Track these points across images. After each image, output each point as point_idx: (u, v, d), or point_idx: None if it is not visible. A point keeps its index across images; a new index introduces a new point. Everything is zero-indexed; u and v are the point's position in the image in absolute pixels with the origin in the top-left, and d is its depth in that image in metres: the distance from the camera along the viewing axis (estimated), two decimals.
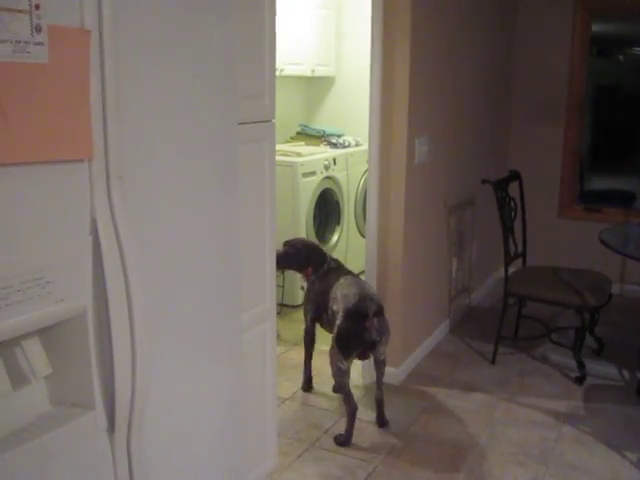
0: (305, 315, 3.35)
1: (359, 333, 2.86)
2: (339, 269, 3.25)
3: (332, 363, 2.91)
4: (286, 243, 3.36)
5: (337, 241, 4.81)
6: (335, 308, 3.01)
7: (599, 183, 5.39)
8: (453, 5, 3.73)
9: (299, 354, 3.82)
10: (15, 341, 1.23)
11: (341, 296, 2.99)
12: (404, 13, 3.19)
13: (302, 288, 3.39)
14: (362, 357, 3.02)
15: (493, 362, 3.75)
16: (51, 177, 1.21)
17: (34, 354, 1.27)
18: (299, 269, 3.35)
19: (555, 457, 2.85)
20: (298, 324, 4.26)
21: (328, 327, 3.16)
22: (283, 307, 4.39)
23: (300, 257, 3.30)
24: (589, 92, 4.98)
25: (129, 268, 1.34)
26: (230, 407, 1.80)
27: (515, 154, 5.11)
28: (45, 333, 1.28)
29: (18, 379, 1.26)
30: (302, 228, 4.44)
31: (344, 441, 2.91)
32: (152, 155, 1.43)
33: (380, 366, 3.02)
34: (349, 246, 4.90)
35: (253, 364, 2.26)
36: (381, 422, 3.08)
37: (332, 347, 2.91)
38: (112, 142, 1.31)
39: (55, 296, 1.24)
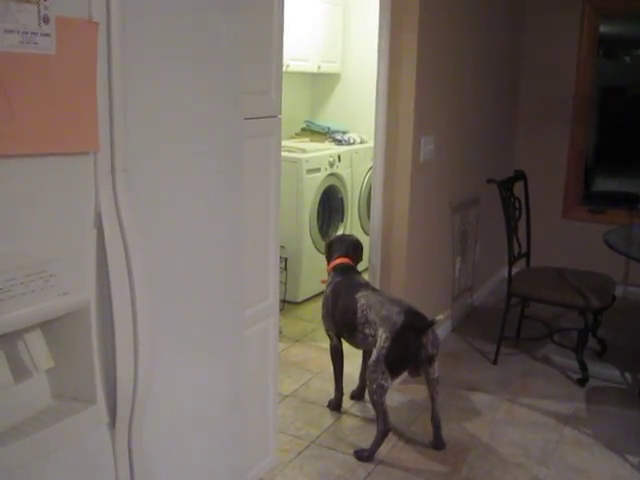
0: (327, 331, 3.14)
1: (415, 350, 2.72)
2: (349, 279, 3.05)
3: (372, 380, 2.72)
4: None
5: None
6: (368, 332, 2.82)
7: (604, 184, 5.37)
8: (461, 4, 3.72)
9: (301, 351, 3.83)
10: (17, 334, 1.23)
11: (380, 319, 2.76)
12: (412, 11, 3.18)
13: (323, 282, 3.27)
14: (414, 374, 2.86)
15: (495, 362, 3.74)
16: (56, 169, 1.20)
17: (36, 347, 1.27)
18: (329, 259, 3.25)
19: (556, 459, 2.84)
20: (300, 321, 4.27)
21: (356, 344, 2.99)
22: (286, 303, 4.39)
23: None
24: (595, 93, 4.96)
25: (133, 262, 1.34)
26: (231, 403, 1.80)
27: (520, 154, 5.10)
28: (47, 326, 1.28)
29: (20, 372, 1.25)
30: (306, 224, 4.43)
31: (367, 457, 2.77)
32: (157, 149, 1.43)
33: (434, 384, 2.85)
34: None
35: (255, 360, 2.25)
36: (439, 445, 2.88)
37: (375, 365, 2.71)
38: (118, 135, 1.30)
39: (58, 289, 1.23)
